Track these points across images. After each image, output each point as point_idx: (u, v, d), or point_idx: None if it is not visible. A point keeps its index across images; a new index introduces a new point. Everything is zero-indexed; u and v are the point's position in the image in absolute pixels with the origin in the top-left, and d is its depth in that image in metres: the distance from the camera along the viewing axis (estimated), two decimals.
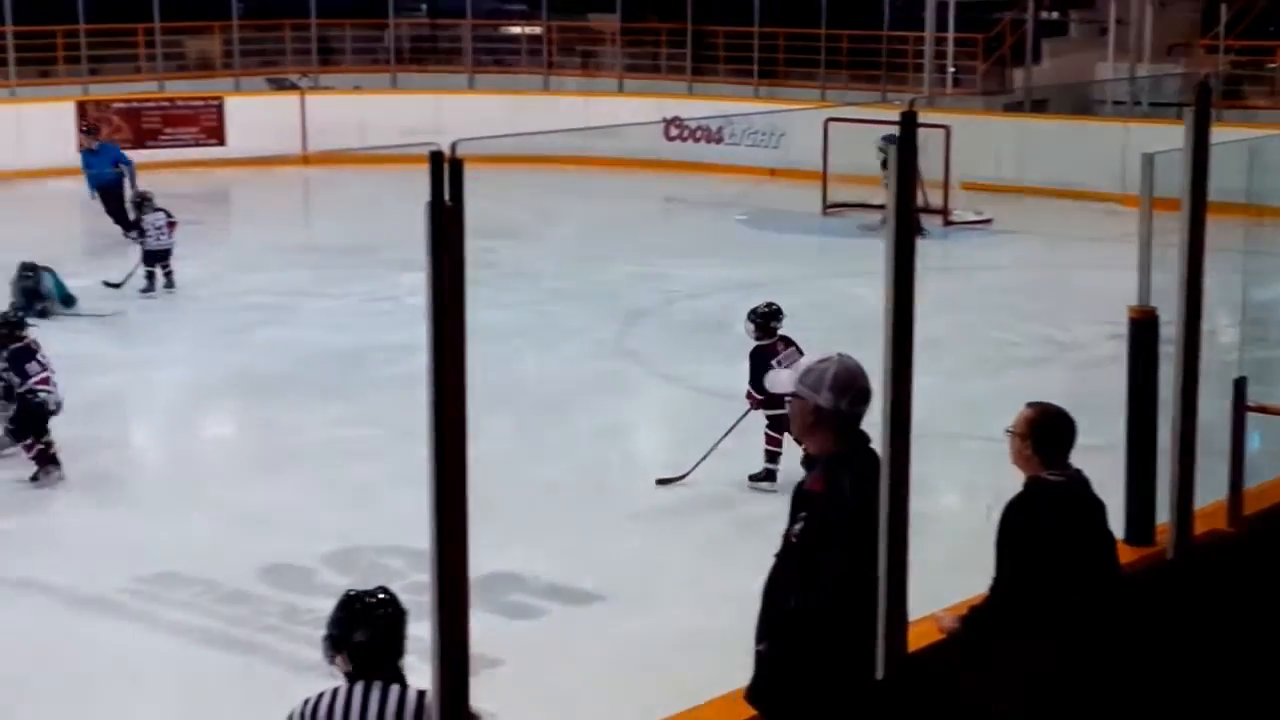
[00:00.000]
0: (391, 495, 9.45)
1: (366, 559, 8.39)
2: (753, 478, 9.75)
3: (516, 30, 30.12)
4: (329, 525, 9.01)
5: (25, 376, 9.80)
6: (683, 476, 9.83)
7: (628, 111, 25.30)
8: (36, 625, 7.72)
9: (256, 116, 25.68)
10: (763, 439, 9.74)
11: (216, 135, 25.64)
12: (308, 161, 25.24)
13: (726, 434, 9.91)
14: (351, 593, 4.59)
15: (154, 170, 23.88)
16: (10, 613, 7.84)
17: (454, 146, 2.37)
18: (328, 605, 7.41)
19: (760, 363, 9.59)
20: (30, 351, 9.94)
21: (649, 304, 15.35)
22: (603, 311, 14.82)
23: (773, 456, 9.67)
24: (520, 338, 13.31)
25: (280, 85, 27.78)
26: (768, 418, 9.62)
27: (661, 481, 9.85)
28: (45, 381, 9.88)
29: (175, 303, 15.31)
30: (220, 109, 25.79)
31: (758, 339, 9.83)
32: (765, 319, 9.83)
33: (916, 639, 4.31)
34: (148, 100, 25.63)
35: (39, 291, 14.42)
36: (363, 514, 9.24)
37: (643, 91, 26.34)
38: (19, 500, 9.56)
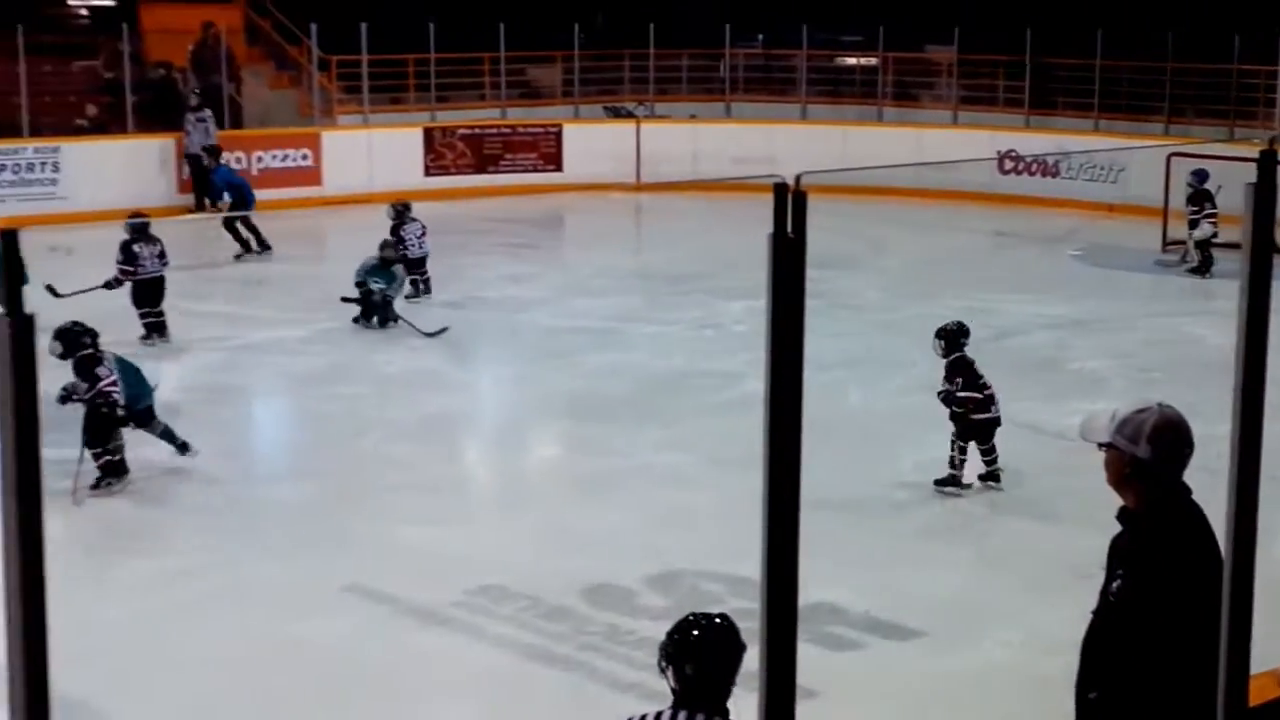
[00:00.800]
0: (712, 520, 9.52)
1: (687, 583, 8.47)
2: (938, 482, 10.17)
3: (851, 61, 30.06)
4: (650, 547, 9.12)
5: (95, 380, 9.87)
6: (965, 486, 10.17)
7: (961, 144, 24.98)
8: (366, 633, 7.99)
9: (593, 143, 26.24)
10: (950, 447, 10.12)
11: (554, 161, 26.28)
12: (641, 188, 25.66)
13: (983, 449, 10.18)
14: (694, 616, 4.50)
15: (493, 195, 24.70)
16: (340, 620, 8.14)
17: (798, 180, 2.36)
18: (648, 627, 7.53)
19: (967, 371, 10.21)
20: (98, 359, 10.00)
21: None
22: (929, 345, 14.62)
23: (954, 462, 10.16)
24: (845, 369, 13.24)
25: (617, 113, 28.32)
26: (967, 425, 10.11)
27: (940, 483, 10.19)
28: (114, 385, 9.92)
29: (512, 323, 15.69)
30: (559, 136, 26.43)
31: (948, 354, 10.33)
32: (953, 336, 10.38)
33: (1258, 693, 4.14)
34: (490, 127, 26.43)
35: (386, 300, 14.86)
36: (683, 537, 9.32)
37: (977, 124, 25.99)
38: (352, 509, 9.92)
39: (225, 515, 9.84)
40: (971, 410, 10.13)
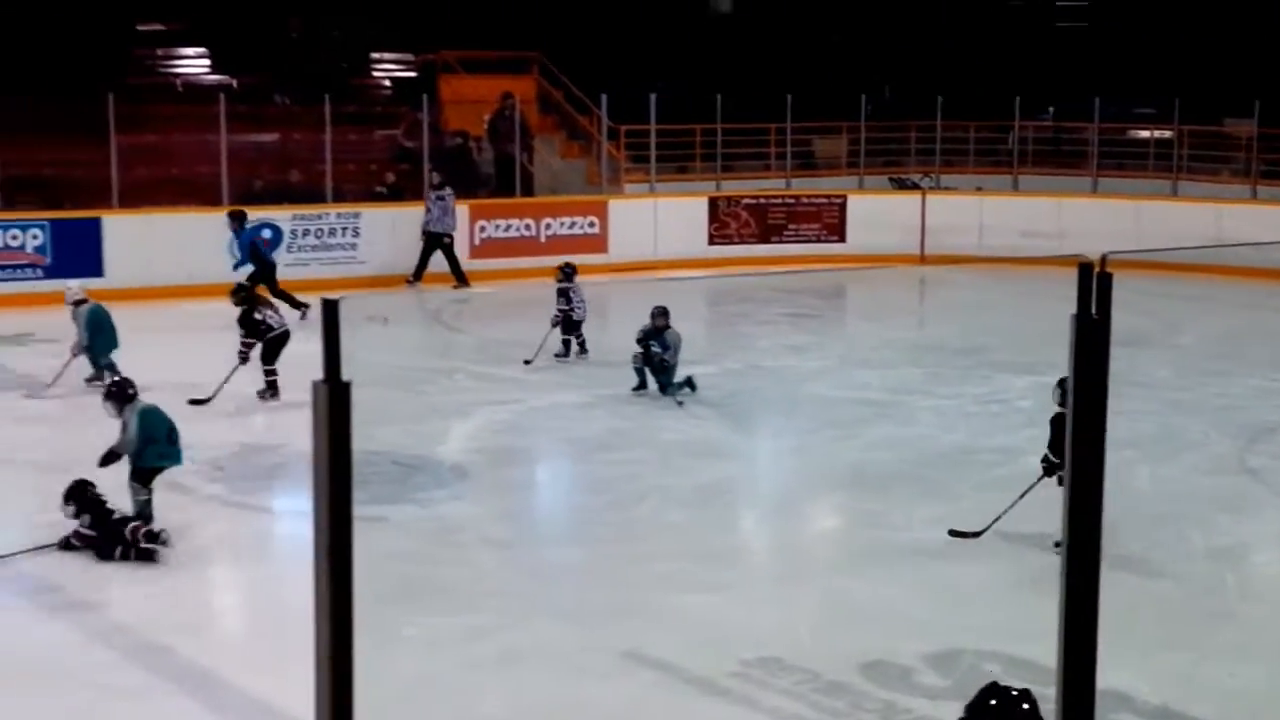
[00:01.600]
0: (994, 598, 9.35)
1: (966, 662, 8.31)
2: (1059, 545, 9.39)
3: (1145, 134, 29.42)
4: (928, 624, 8.99)
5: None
6: (979, 534, 10.36)
7: (1261, 220, 24.20)
8: (646, 700, 8.03)
9: (877, 215, 26.19)
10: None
11: (837, 232, 26.29)
12: (925, 261, 25.48)
13: (1022, 496, 10.28)
14: (996, 686, 4.43)
15: (776, 264, 24.78)
16: (621, 685, 8.19)
17: (1103, 260, 2.33)
18: (925, 706, 7.43)
19: (1061, 429, 9.40)
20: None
21: (1275, 421, 14.58)
22: (1224, 426, 14.18)
23: None
24: (1134, 448, 12.88)
25: (902, 185, 28.23)
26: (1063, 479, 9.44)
27: (954, 534, 10.48)
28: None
29: (792, 393, 15.68)
30: (843, 206, 26.44)
31: (1061, 405, 9.80)
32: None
33: None
34: (774, 197, 26.58)
35: (664, 365, 14.89)
36: (962, 615, 9.17)
37: (1278, 199, 25.18)
38: (633, 574, 10.01)
39: (511, 576, 10.03)
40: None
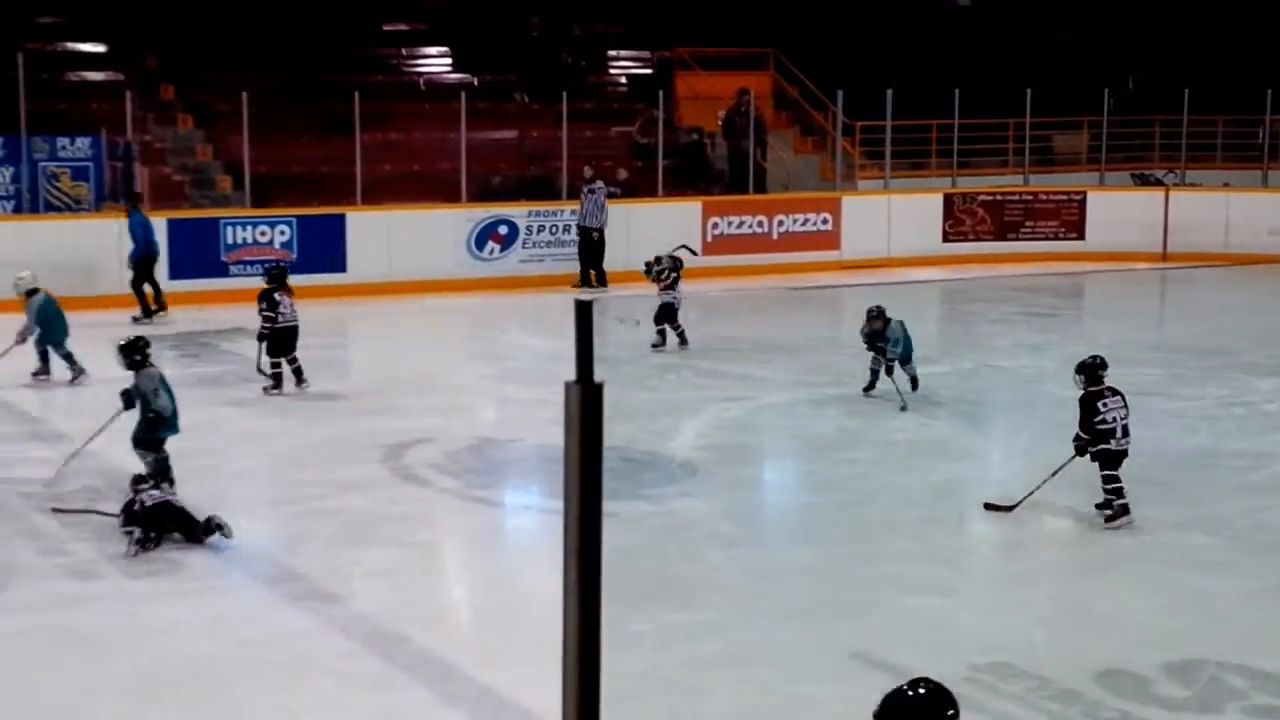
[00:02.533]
0: (1236, 607, 9.09)
1: (1207, 674, 8.08)
2: (1107, 520, 10.74)
3: None
4: (1168, 633, 8.77)
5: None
6: (1012, 507, 10.93)
7: None
8: (871, 702, 7.96)
9: (1118, 212, 25.60)
10: (1100, 480, 10.72)
11: (1076, 229, 25.78)
12: (1167, 259, 24.83)
13: (1055, 473, 10.86)
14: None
15: (1012, 262, 24.40)
16: (847, 686, 8.13)
17: None
18: (1163, 717, 7.25)
19: (1089, 407, 10.72)
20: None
21: None
22: None
23: (1116, 492, 10.71)
24: None
25: (1145, 181, 27.55)
26: (1095, 457, 10.72)
27: (989, 506, 11.03)
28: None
29: (1026, 393, 15.41)
30: (1082, 203, 25.91)
31: (1086, 387, 10.81)
32: (1093, 369, 10.84)
33: None
34: (1011, 193, 26.15)
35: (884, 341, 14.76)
36: (1204, 625, 8.93)
37: None
38: (862, 574, 9.94)
39: (739, 574, 10.05)
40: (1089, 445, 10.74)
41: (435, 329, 20.21)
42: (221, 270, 21.12)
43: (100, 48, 24.93)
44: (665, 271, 17.31)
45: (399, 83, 26.48)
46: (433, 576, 10.10)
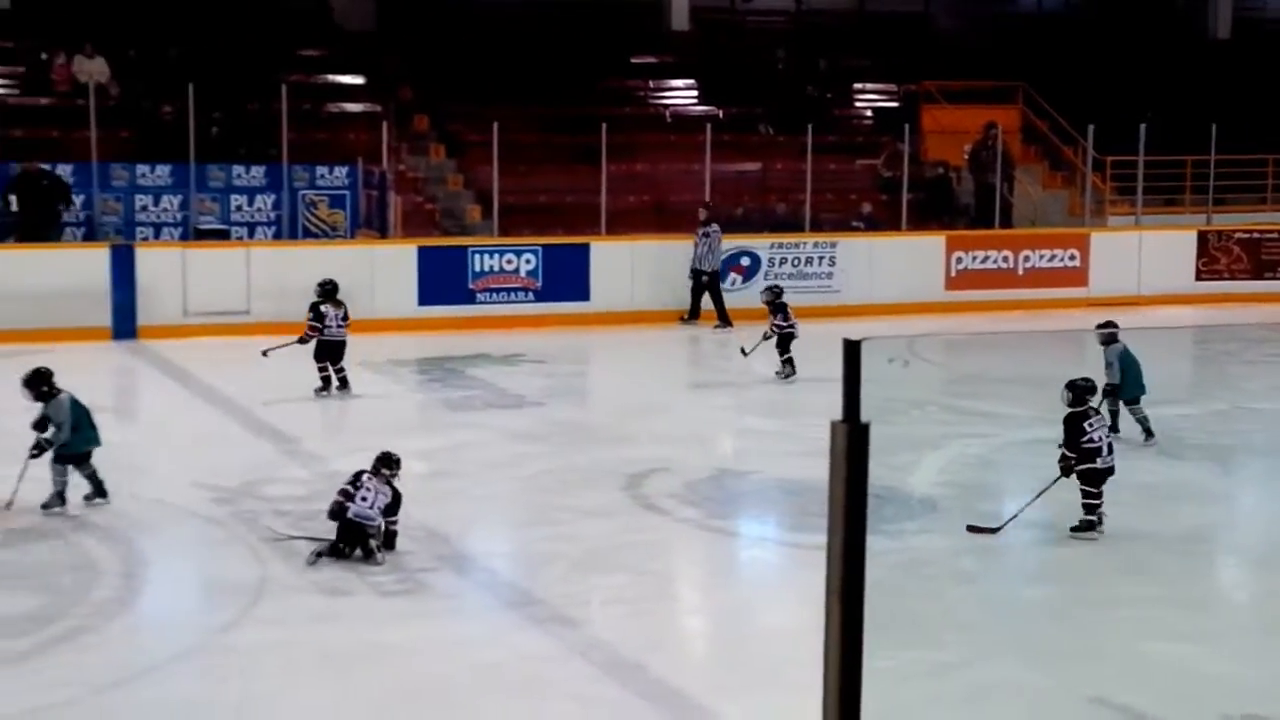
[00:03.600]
0: None
1: None
2: (1073, 530, 11.14)
3: None
4: None
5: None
6: (997, 529, 11.06)
7: None
8: None
9: None
10: (1079, 494, 11.07)
11: None
12: None
13: (1041, 494, 11.12)
14: None
15: (1270, 302, 23.63)
16: None
17: None
18: None
19: (1075, 426, 11.05)
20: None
21: None
22: None
23: (1091, 508, 11.12)
24: None
25: None
26: (1080, 474, 11.05)
27: (972, 529, 11.12)
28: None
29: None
30: None
31: (1071, 406, 11.12)
32: (1081, 390, 11.22)
33: None
34: (1270, 231, 25.37)
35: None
36: None
37: None
38: (1105, 617, 9.72)
39: (979, 612, 9.92)
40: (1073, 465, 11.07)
41: (676, 358, 20.36)
42: (469, 298, 21.57)
43: (359, 80, 25.73)
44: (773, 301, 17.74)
45: (645, 114, 26.79)
46: (670, 604, 10.17)
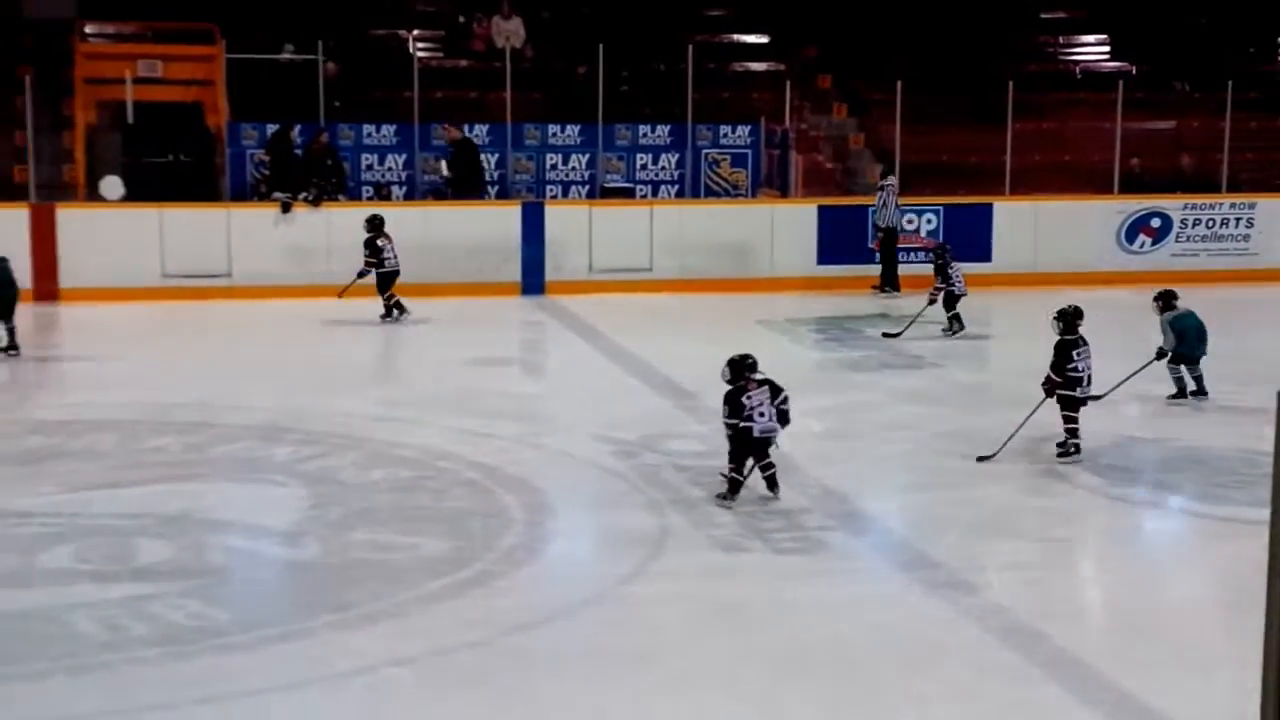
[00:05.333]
0: None
1: None
2: (1060, 455, 11.84)
3: None
4: None
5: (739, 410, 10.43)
6: (994, 455, 11.76)
7: None
8: None
9: None
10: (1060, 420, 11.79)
11: None
12: None
13: (1031, 414, 11.87)
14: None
15: None
16: None
17: None
18: None
19: (1063, 353, 11.78)
20: (743, 389, 10.46)
21: None
22: None
23: (1073, 432, 11.83)
24: None
25: None
26: (1061, 399, 11.79)
27: (982, 459, 11.72)
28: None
29: None
30: None
31: (1063, 334, 11.83)
32: (1071, 317, 11.87)
33: None
34: None
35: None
36: None
37: None
38: None
39: None
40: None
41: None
42: (869, 256, 21.49)
43: (764, 39, 25.88)
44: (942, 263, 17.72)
45: (1054, 71, 26.13)
46: (1070, 573, 9.93)
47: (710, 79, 23.36)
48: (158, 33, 23.68)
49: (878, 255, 21.34)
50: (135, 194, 20.09)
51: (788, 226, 21.38)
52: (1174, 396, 14.05)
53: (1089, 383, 11.81)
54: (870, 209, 21.49)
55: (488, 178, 21.79)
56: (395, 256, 18.24)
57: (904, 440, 12.84)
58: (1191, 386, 14.03)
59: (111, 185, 20.15)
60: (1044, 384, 11.85)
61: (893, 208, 21.38)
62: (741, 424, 10.41)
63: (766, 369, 10.61)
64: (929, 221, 21.65)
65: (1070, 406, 11.80)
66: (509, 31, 24.00)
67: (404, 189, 21.84)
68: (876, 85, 23.31)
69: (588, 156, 22.30)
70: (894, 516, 10.94)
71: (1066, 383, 11.73)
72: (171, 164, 21.08)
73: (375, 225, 18.22)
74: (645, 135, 22.54)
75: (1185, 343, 13.97)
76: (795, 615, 8.62)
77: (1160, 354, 13.83)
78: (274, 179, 20.88)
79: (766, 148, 22.88)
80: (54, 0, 23.95)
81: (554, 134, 22.37)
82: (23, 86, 20.65)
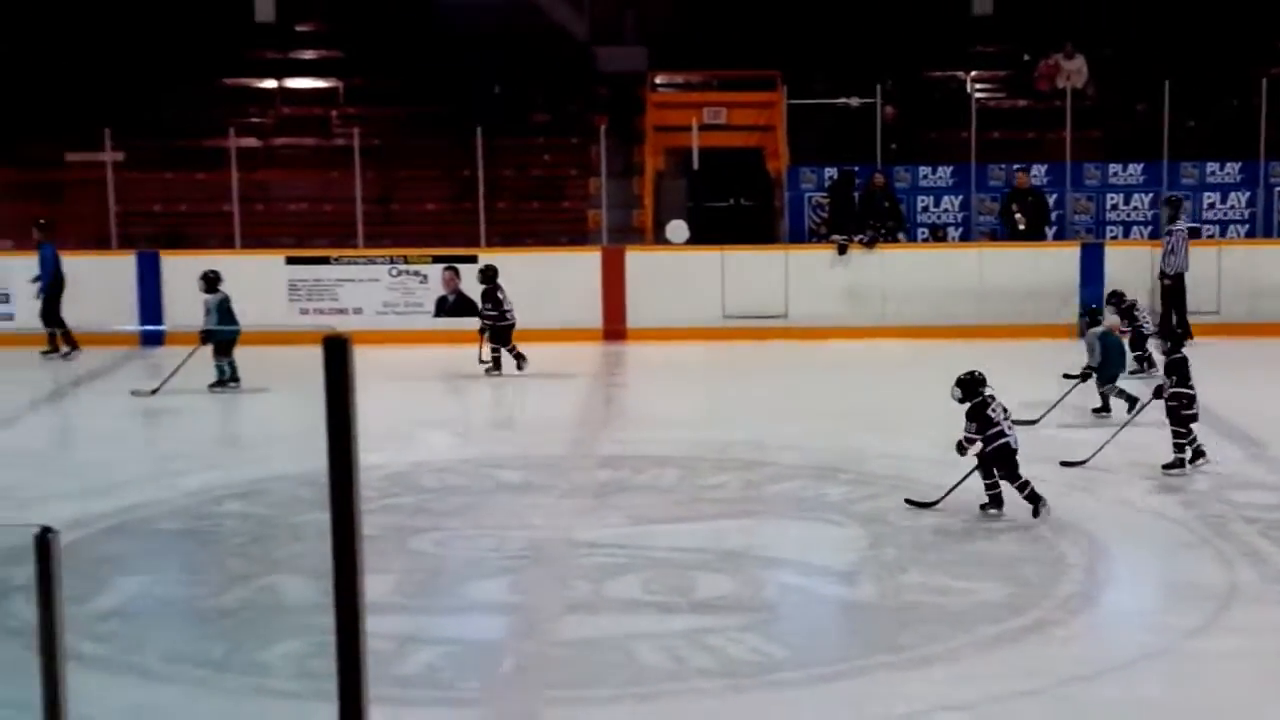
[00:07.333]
0: None
1: None
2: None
3: None
4: None
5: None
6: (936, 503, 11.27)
7: None
8: None
9: None
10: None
11: None
12: None
13: (965, 478, 11.17)
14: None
15: None
16: None
17: None
18: None
19: (981, 417, 11.02)
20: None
21: None
22: None
23: (1011, 481, 11.11)
24: None
25: None
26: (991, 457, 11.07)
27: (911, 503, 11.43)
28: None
29: None
30: None
31: (970, 401, 11.05)
32: (972, 384, 10.99)
33: None
34: None
35: None
36: None
37: None
38: None
39: None
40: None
41: None
42: None
43: None
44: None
45: None
46: None
47: None
48: (723, 81, 24.57)
49: None
50: (698, 237, 20.86)
51: None
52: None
53: (1011, 429, 11.11)
54: None
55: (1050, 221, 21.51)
56: (513, 309, 17.59)
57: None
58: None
59: (677, 229, 20.98)
60: (960, 448, 11.27)
61: (1180, 252, 19.44)
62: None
63: None
64: None
65: (1005, 461, 11.04)
66: (1071, 70, 23.59)
67: (959, 230, 21.77)
68: None
69: (1150, 195, 21.63)
70: None
71: (991, 440, 11.02)
72: (733, 208, 21.79)
73: (489, 276, 17.63)
74: (1213, 173, 21.67)
75: (1111, 362, 14.40)
76: None
77: (1086, 374, 14.32)
78: (833, 221, 21.25)
79: None
80: (627, 54, 25.25)
81: (1114, 173, 21.81)
82: (598, 136, 21.81)
